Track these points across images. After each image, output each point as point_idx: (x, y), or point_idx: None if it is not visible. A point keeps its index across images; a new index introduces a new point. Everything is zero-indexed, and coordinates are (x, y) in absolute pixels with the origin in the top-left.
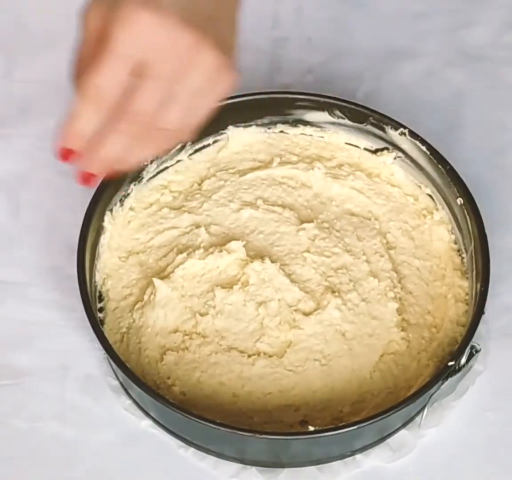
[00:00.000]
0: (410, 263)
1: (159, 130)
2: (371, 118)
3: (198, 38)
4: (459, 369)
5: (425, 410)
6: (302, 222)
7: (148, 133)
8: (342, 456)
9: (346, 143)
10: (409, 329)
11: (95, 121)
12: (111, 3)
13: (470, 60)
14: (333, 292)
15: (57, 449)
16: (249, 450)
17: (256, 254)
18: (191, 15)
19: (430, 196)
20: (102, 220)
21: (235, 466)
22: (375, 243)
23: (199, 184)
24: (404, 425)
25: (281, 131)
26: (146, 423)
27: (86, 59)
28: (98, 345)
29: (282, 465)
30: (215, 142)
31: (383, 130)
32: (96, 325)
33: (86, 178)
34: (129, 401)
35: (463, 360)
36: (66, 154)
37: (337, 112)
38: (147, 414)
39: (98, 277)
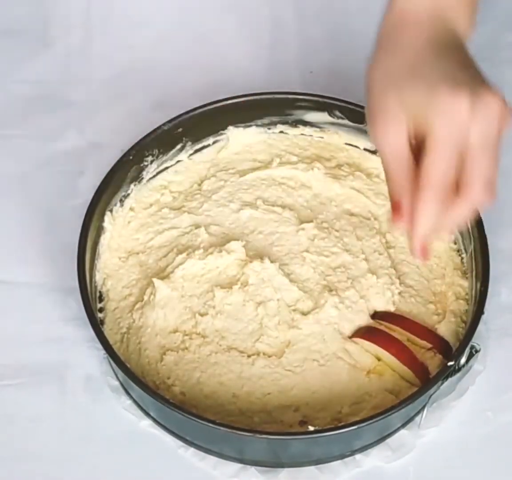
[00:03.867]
0: (410, 262)
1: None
2: None
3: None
4: (459, 369)
5: (425, 410)
6: (302, 222)
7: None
8: (342, 456)
9: (346, 144)
10: None
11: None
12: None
13: None
14: (331, 290)
15: (57, 449)
16: (249, 450)
17: (256, 254)
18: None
19: None
20: (102, 221)
21: (235, 466)
22: (375, 242)
23: (199, 185)
24: (403, 425)
25: (281, 132)
26: (146, 423)
27: None
28: (98, 345)
29: (282, 465)
30: (215, 142)
31: None
32: (96, 325)
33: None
34: (129, 401)
35: (463, 360)
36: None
37: (337, 113)
38: (147, 414)
39: (98, 277)
